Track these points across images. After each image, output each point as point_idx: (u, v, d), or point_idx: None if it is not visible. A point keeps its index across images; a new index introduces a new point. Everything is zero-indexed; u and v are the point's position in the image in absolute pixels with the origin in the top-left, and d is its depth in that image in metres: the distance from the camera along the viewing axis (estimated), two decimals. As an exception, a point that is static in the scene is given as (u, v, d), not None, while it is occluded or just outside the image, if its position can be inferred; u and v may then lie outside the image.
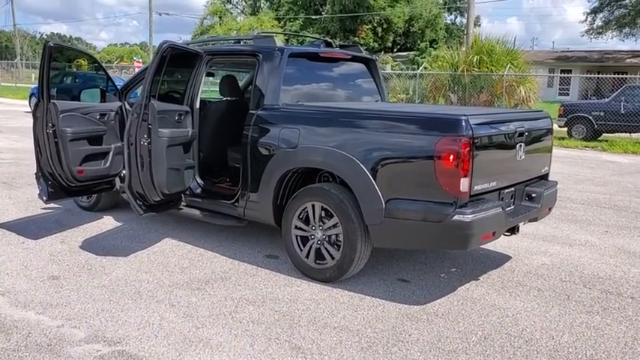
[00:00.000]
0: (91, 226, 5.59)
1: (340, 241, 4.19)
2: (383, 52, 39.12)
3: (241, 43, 5.66)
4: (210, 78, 6.57)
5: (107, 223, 5.74)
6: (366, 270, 4.46)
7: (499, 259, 4.98)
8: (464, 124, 3.70)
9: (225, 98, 5.69)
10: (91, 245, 5.01)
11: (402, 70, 27.57)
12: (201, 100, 5.24)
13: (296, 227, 4.42)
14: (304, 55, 5.14)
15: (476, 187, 3.85)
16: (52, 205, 6.07)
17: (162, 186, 4.60)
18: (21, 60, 52.20)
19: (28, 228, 5.45)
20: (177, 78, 5.30)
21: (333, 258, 4.24)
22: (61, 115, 4.92)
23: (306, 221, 4.38)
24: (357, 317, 3.74)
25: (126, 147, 4.48)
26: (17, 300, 3.78)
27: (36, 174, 5.06)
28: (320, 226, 4.29)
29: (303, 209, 4.36)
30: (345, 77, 5.55)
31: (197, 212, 5.13)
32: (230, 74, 5.87)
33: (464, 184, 3.72)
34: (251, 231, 5.25)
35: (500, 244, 5.14)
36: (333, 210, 4.18)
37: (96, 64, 5.87)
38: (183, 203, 5.17)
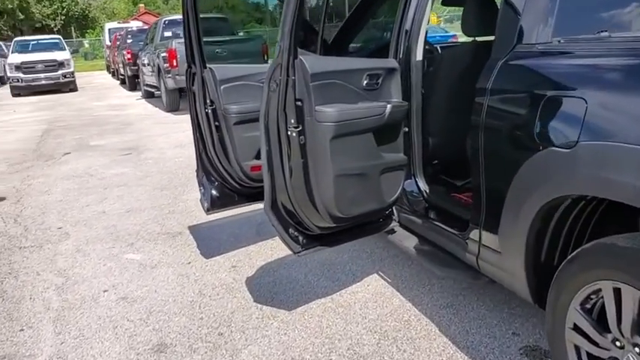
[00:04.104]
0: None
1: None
2: None
3: None
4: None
5: (315, 233, 4.06)
6: None
7: None
8: None
9: (472, 39, 3.18)
10: (264, 277, 3.40)
11: None
12: (429, 47, 3.01)
13: (575, 328, 1.91)
14: None
15: None
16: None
17: (330, 205, 2.58)
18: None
19: (214, 237, 4.15)
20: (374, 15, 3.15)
21: None
22: (222, 87, 3.36)
23: (600, 319, 1.83)
24: None
25: (264, 141, 2.61)
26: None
27: (197, 171, 3.66)
28: (631, 340, 1.71)
29: (593, 293, 1.82)
30: None
31: (409, 244, 2.98)
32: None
33: None
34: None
35: None
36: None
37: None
38: (394, 222, 3.10)
